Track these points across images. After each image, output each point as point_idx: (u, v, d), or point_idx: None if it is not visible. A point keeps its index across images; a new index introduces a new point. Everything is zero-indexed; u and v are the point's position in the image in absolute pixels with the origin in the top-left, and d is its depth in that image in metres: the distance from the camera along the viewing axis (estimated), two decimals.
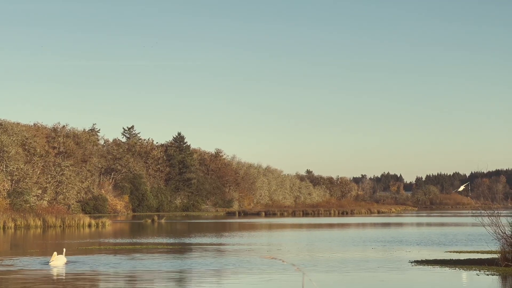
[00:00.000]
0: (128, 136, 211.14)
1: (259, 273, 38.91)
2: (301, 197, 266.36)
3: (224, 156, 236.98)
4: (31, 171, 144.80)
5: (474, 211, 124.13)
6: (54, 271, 40.57)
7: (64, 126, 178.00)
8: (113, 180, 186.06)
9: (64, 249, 46.42)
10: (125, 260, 47.63)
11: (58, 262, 43.73)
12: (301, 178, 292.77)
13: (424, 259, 46.05)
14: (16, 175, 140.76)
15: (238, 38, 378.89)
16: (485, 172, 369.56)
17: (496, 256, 42.25)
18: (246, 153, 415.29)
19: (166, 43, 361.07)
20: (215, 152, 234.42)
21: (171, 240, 71.11)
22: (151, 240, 71.67)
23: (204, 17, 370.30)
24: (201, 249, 58.57)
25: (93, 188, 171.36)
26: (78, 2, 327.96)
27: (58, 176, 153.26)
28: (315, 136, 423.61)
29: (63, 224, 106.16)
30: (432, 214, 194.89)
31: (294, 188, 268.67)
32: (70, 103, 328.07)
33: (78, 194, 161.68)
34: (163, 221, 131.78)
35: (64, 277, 38.30)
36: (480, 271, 38.44)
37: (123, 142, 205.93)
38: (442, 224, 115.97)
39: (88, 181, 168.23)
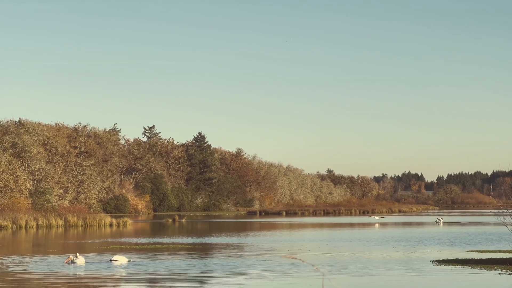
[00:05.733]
0: (149, 135, 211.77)
1: (280, 275, 38.88)
2: (322, 196, 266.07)
3: (245, 156, 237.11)
4: (52, 171, 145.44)
5: (496, 210, 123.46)
6: (70, 273, 40.73)
7: (85, 126, 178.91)
8: (134, 180, 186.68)
9: (119, 255, 46.95)
10: (146, 260, 47.76)
11: (120, 261, 45.19)
12: (322, 177, 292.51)
13: (445, 258, 45.84)
14: (37, 175, 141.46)
15: (258, 37, 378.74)
16: (507, 171, 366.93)
17: None
18: (267, 152, 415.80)
19: (187, 43, 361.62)
20: (236, 152, 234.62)
21: (192, 240, 71.23)
22: (172, 240, 71.80)
23: (220, 18, 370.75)
24: (222, 249, 58.61)
25: (114, 188, 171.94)
26: (98, 2, 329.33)
27: (80, 176, 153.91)
28: (336, 136, 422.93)
29: (85, 224, 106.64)
30: (453, 213, 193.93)
31: (315, 187, 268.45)
32: (91, 103, 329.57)
33: (99, 193, 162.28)
34: (184, 220, 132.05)
35: (82, 277, 38.46)
36: (502, 271, 38.23)
37: (144, 142, 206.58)
38: (463, 224, 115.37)
39: (109, 181, 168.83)
